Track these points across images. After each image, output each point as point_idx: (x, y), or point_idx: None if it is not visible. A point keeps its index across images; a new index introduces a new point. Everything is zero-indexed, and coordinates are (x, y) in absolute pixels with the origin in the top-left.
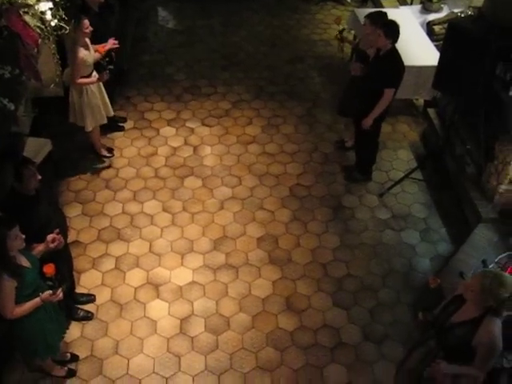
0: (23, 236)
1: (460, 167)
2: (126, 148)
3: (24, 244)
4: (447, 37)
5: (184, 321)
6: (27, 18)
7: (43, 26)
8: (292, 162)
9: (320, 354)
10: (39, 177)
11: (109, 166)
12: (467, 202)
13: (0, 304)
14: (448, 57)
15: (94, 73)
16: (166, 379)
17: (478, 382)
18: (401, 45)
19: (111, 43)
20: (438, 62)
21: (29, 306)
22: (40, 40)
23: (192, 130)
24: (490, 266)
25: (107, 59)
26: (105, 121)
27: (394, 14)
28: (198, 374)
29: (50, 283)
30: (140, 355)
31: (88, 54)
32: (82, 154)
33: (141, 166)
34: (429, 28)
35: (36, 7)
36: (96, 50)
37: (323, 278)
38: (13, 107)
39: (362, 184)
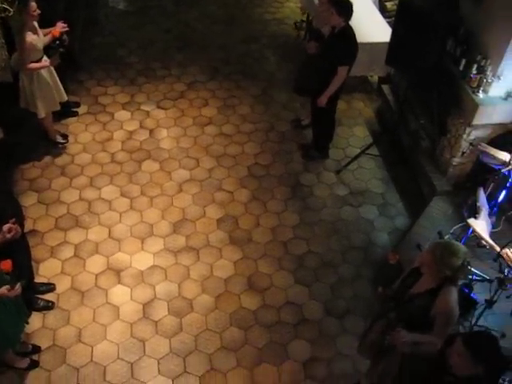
0: None
1: (415, 142)
2: (81, 134)
3: None
4: (398, 13)
5: (147, 305)
6: None
7: None
8: (249, 142)
9: (284, 331)
10: None
11: (63, 153)
12: (422, 176)
13: None
14: (399, 33)
15: (45, 57)
16: (131, 364)
17: (436, 348)
18: (353, 22)
19: (60, 26)
20: (390, 39)
21: None
22: None
23: (147, 113)
24: (446, 237)
25: (57, 42)
26: (58, 107)
27: None
28: (163, 357)
29: (8, 277)
30: (104, 342)
31: (37, 39)
32: (34, 142)
33: (96, 151)
34: (381, 5)
35: None
36: (46, 34)
37: (284, 256)
38: None
39: (319, 162)
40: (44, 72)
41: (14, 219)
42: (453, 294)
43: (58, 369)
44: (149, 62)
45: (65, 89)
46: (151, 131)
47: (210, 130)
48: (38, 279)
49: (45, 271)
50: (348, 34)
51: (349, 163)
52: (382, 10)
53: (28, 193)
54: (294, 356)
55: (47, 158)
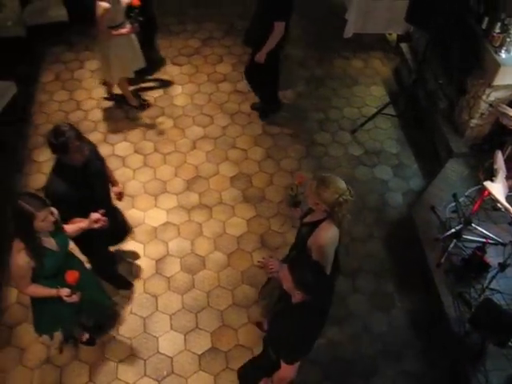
0: (53, 218)
1: (432, 102)
2: (94, 90)
3: (52, 227)
4: None
5: (159, 261)
6: None
7: None
8: None
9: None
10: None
11: (77, 109)
12: (439, 137)
13: (14, 278)
14: None
15: (127, 23)
16: (144, 319)
17: None
18: None
19: None
20: None
21: (42, 292)
22: None
23: (162, 70)
24: (461, 200)
25: (136, 11)
26: (131, 75)
27: None
28: (175, 312)
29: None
30: (116, 297)
31: (112, 5)
32: (48, 97)
33: (111, 106)
34: None
35: None
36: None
37: None
38: None
39: (334, 121)
40: (123, 38)
41: (103, 210)
42: (328, 231)
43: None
44: (163, 17)
45: None
46: (165, 88)
47: (225, 86)
48: None
49: None
50: None
51: (365, 123)
52: None
53: (42, 149)
54: None
55: (60, 114)
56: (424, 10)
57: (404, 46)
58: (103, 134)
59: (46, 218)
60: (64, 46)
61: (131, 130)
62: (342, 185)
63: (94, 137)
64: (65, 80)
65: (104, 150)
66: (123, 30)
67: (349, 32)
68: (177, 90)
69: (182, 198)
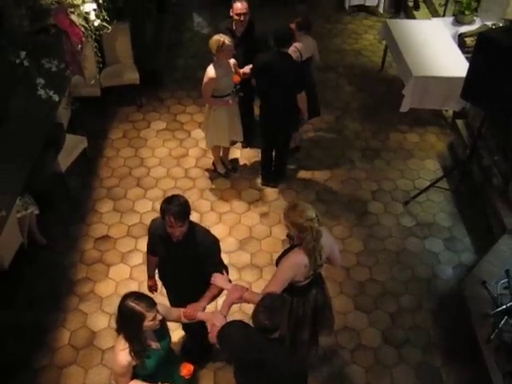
0: (160, 317)
1: (487, 178)
2: (158, 148)
3: (159, 325)
4: (477, 47)
5: None
6: (73, 17)
7: (87, 25)
8: (319, 167)
9: (340, 354)
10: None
11: (141, 166)
12: (492, 213)
13: (114, 373)
14: (477, 67)
15: (231, 96)
16: None
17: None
18: (432, 56)
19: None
20: (467, 72)
21: None
22: (84, 38)
23: None
24: None
25: (238, 87)
26: (227, 144)
27: (426, 25)
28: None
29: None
30: None
31: (223, 77)
32: (115, 153)
33: (172, 166)
34: (460, 40)
35: (81, 8)
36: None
37: (346, 281)
38: (57, 99)
39: (387, 191)
40: (223, 109)
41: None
42: (296, 254)
43: None
44: None
45: (146, 106)
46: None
47: None
48: (106, 282)
49: (114, 275)
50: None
51: (417, 195)
52: (461, 45)
53: (105, 200)
54: (347, 380)
55: (125, 169)
56: (479, 88)
57: (460, 122)
58: (163, 191)
59: (154, 317)
60: (134, 107)
61: (189, 189)
62: (310, 212)
63: (153, 193)
64: (131, 138)
65: None
66: (222, 102)
67: (405, 107)
68: (235, 153)
69: (233, 257)
